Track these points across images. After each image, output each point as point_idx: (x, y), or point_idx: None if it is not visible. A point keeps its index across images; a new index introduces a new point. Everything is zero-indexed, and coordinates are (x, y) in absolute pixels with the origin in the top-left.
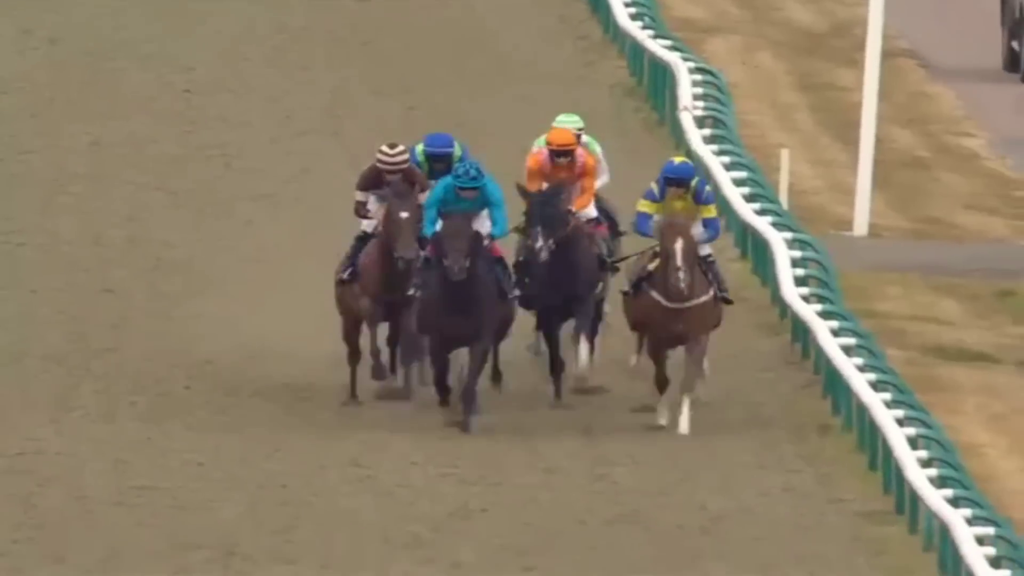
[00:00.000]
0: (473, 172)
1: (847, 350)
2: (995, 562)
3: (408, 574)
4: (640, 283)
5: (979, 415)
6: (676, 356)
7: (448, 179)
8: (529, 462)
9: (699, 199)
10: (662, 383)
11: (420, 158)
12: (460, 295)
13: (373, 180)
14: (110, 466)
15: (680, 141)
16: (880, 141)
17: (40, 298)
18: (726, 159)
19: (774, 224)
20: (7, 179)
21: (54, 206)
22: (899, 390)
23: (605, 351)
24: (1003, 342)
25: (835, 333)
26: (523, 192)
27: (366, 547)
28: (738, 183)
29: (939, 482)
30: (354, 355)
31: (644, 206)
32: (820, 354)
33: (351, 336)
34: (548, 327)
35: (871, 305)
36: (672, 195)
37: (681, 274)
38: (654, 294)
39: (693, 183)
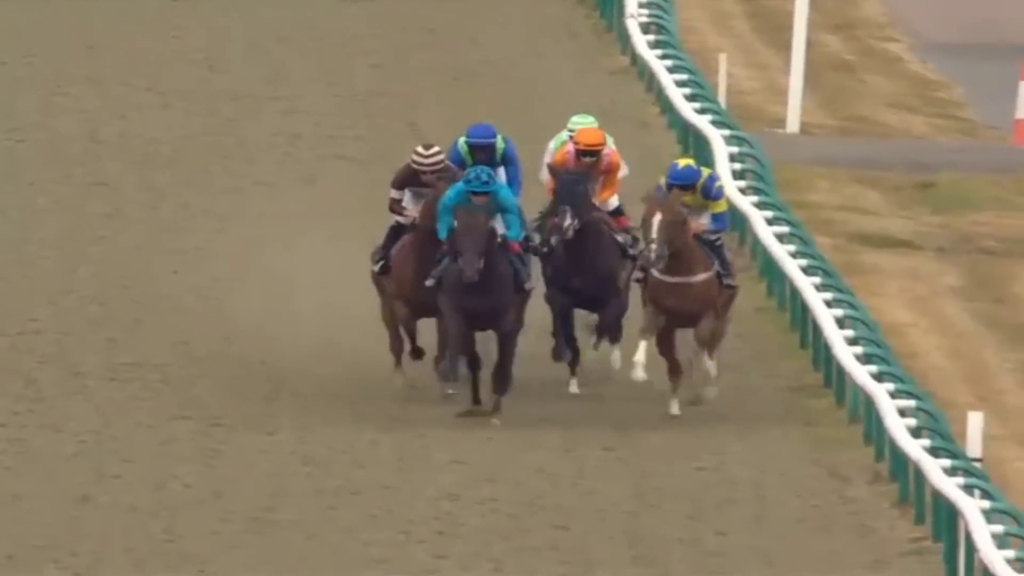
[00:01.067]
0: (484, 177)
1: (780, 238)
2: (916, 432)
3: (376, 442)
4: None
5: (901, 297)
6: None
7: (460, 184)
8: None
9: (708, 195)
10: (675, 371)
11: (463, 149)
12: (479, 287)
13: (409, 179)
14: (103, 344)
15: (626, 46)
16: (811, 45)
17: (38, 189)
18: (669, 63)
19: (713, 122)
20: (11, 82)
21: (53, 106)
22: (827, 274)
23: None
24: (923, 230)
25: (769, 222)
26: (552, 171)
27: (341, 418)
28: (680, 84)
29: (864, 359)
30: (396, 342)
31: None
32: (756, 242)
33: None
34: (564, 318)
35: (802, 196)
36: (678, 194)
37: (654, 246)
38: (655, 272)
39: (699, 183)
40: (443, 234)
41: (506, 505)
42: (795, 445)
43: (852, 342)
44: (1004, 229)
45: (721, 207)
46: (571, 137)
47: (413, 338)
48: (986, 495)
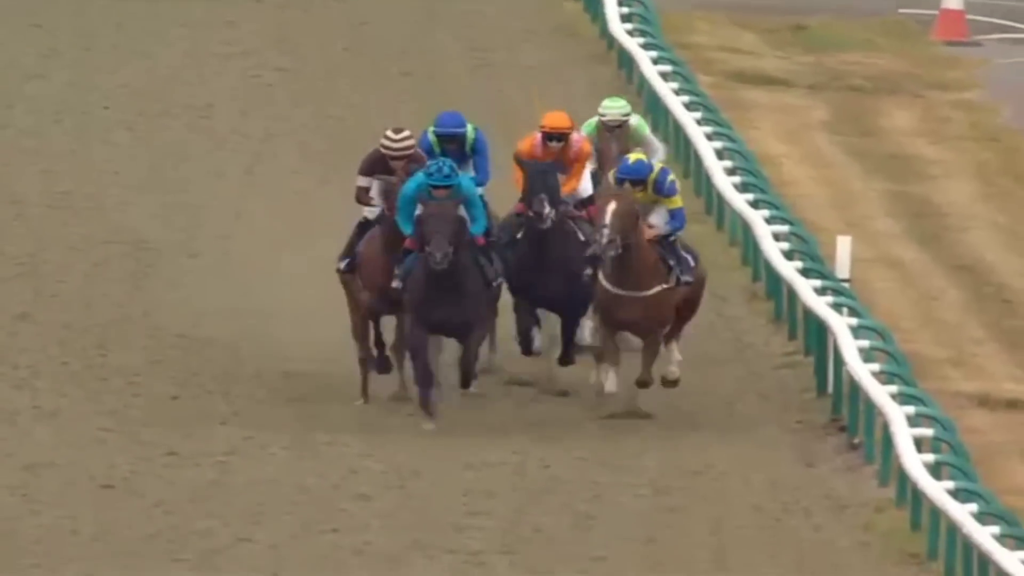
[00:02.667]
0: (446, 170)
1: (664, 76)
2: (789, 255)
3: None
4: (598, 257)
5: (775, 130)
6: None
7: (420, 176)
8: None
9: (660, 191)
10: (611, 354)
11: (432, 139)
12: (446, 284)
13: (377, 165)
14: (40, 175)
15: None
16: None
17: None
18: None
19: None
20: None
21: None
22: (708, 109)
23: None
24: (795, 68)
25: (655, 62)
26: (520, 162)
27: (260, 242)
28: None
29: (742, 187)
30: (365, 352)
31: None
32: (642, 80)
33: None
34: (528, 311)
35: (684, 39)
36: (629, 188)
37: (606, 230)
38: (602, 281)
39: (652, 177)
40: (405, 227)
41: (490, 512)
42: None
43: (730, 172)
44: (871, 68)
45: (676, 203)
46: (601, 122)
47: (380, 341)
48: (853, 312)
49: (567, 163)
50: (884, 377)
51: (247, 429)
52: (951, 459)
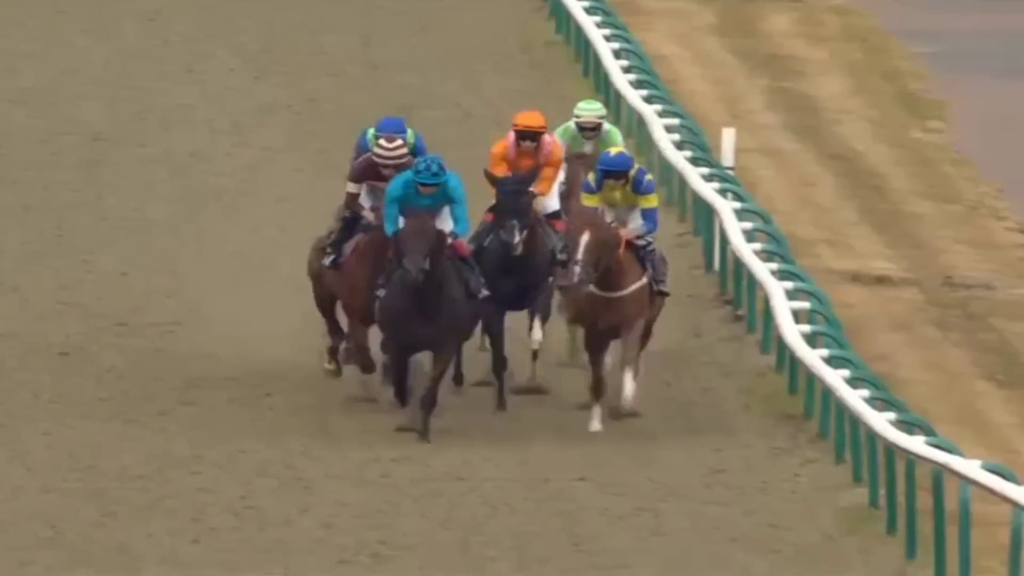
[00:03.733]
0: (435, 168)
1: None
2: (679, 145)
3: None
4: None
5: (668, 33)
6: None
7: (408, 174)
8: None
9: (638, 189)
10: (598, 387)
11: (371, 140)
12: (423, 298)
13: (368, 172)
14: (4, 73)
15: None
16: None
17: None
18: None
19: None
20: None
21: None
22: (606, 13)
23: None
24: None
25: None
26: (491, 179)
27: (200, 133)
28: None
29: (636, 85)
30: (334, 331)
31: (585, 199)
32: None
33: (327, 311)
34: (493, 321)
35: None
36: (610, 186)
37: (578, 267)
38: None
39: (631, 173)
40: (389, 228)
41: (466, 517)
42: None
43: (626, 70)
44: None
45: (652, 202)
46: (578, 124)
47: (366, 350)
48: (737, 197)
49: (539, 164)
50: (765, 255)
51: (190, 303)
52: (825, 329)
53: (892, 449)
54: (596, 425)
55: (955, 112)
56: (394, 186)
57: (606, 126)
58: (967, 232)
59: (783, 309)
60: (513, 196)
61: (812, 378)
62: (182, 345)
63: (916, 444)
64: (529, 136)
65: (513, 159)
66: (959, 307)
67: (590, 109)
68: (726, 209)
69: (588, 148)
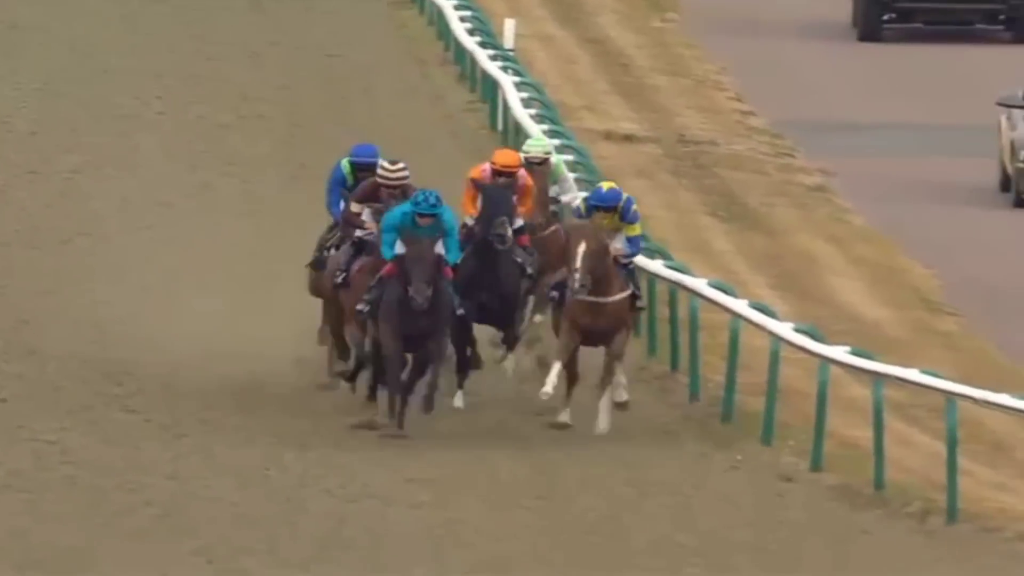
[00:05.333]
0: (432, 199)
1: None
2: (471, 32)
3: None
4: (564, 284)
5: None
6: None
7: (406, 205)
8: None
9: (625, 218)
10: (572, 377)
11: (346, 168)
12: (418, 314)
13: (370, 194)
14: None
15: None
16: None
17: None
18: None
19: None
20: None
21: None
22: None
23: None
24: None
25: None
26: (477, 184)
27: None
28: None
29: None
30: (339, 344)
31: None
32: None
33: (336, 329)
34: (463, 331)
35: None
36: (597, 215)
37: (578, 275)
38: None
39: (620, 204)
40: (387, 253)
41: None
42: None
43: None
44: None
45: (636, 231)
46: (526, 156)
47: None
48: (516, 73)
49: (517, 194)
50: (538, 118)
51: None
52: (585, 176)
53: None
54: (565, 417)
55: (687, 6)
56: (392, 215)
57: (553, 159)
58: (695, 100)
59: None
60: (499, 196)
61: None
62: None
63: (656, 267)
64: (506, 174)
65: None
66: (690, 159)
67: (538, 145)
68: (507, 82)
69: (537, 181)
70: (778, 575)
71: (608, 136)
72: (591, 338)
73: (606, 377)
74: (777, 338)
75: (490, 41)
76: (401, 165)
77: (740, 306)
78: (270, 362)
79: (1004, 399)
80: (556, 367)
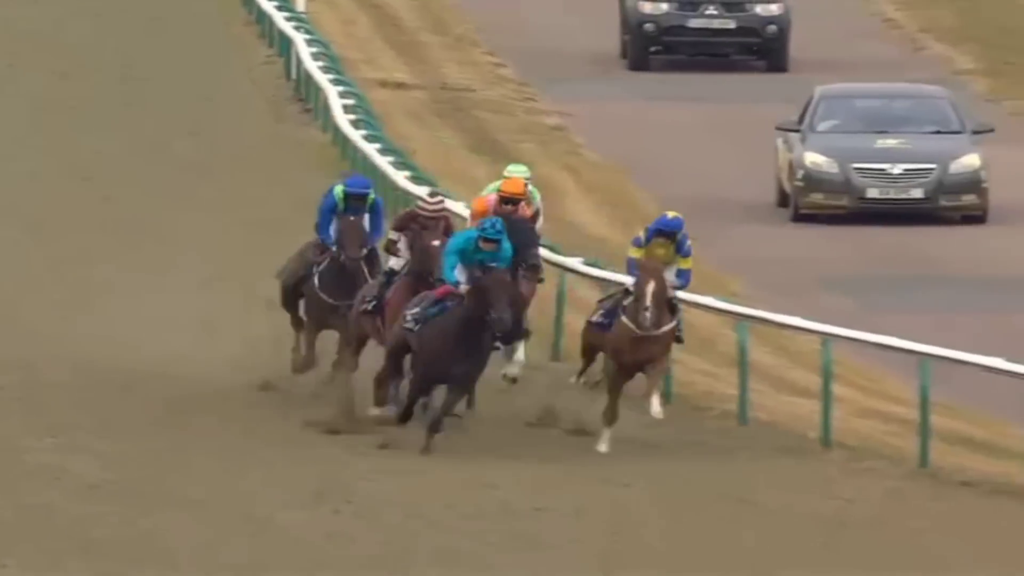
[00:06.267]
0: (499, 226)
1: None
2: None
3: None
4: (612, 315)
5: None
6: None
7: (471, 232)
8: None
9: (680, 251)
10: (612, 416)
11: (338, 195)
12: (475, 341)
13: (408, 223)
14: None
15: None
16: None
17: None
18: None
19: None
20: None
21: None
22: None
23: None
24: None
25: None
26: (507, 219)
27: None
28: None
29: None
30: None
31: (633, 252)
32: None
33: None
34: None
35: None
36: (658, 243)
37: (648, 313)
38: (627, 322)
39: (678, 236)
40: (450, 276)
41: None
42: None
43: None
44: None
45: (688, 264)
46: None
47: (401, 373)
48: (307, 32)
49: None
50: (324, 69)
51: None
52: (364, 116)
53: (412, 196)
54: (603, 447)
55: None
56: (456, 240)
57: (530, 187)
58: (456, 55)
59: (336, 104)
60: (525, 228)
61: (353, 147)
62: None
63: (420, 190)
64: (511, 201)
65: (492, 216)
66: (451, 103)
67: (518, 171)
68: (299, 40)
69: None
70: None
71: (383, 84)
72: (633, 367)
73: (650, 386)
74: (563, 272)
75: (285, 5)
76: (440, 198)
77: None
78: None
79: (709, 301)
80: (607, 432)
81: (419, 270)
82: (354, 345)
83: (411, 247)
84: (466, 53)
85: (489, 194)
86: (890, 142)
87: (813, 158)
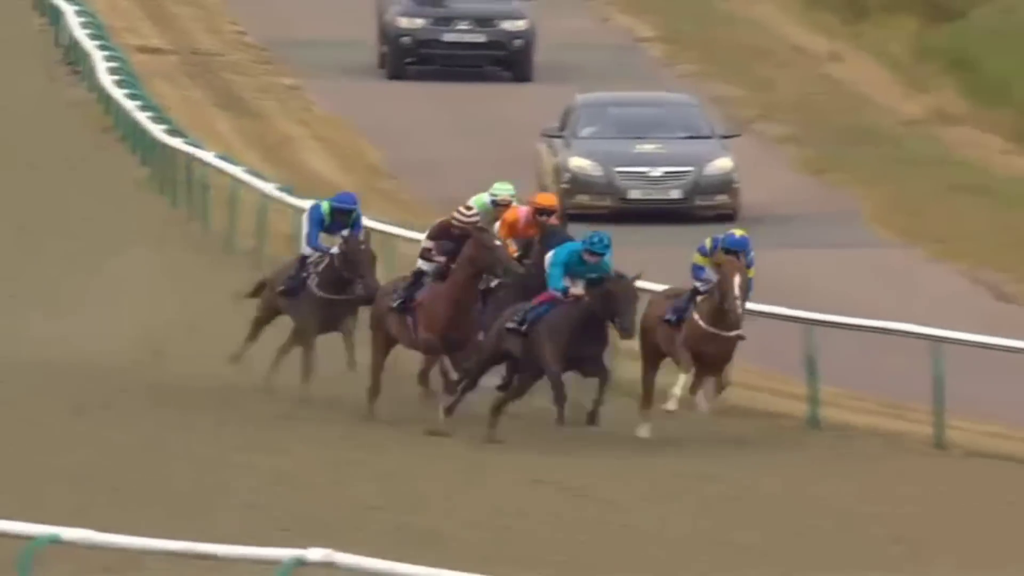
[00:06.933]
0: (607, 240)
1: None
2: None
3: None
4: (681, 311)
5: None
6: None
7: (576, 244)
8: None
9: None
10: (650, 396)
11: (325, 210)
12: (596, 330)
13: (443, 233)
14: None
15: None
16: None
17: None
18: None
19: None
20: None
21: None
22: None
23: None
24: None
25: None
26: (540, 225)
27: None
28: None
29: None
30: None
31: (698, 259)
32: None
33: (378, 360)
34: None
35: None
36: (722, 256)
37: (738, 302)
38: (702, 322)
39: (746, 255)
40: (558, 285)
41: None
42: None
43: None
44: None
45: (751, 273)
46: (493, 201)
47: (445, 372)
48: (75, 2)
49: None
50: (91, 36)
51: None
52: (126, 77)
53: (168, 147)
54: (644, 433)
55: None
56: (560, 252)
57: (514, 203)
58: (205, 24)
59: (101, 67)
60: (561, 234)
61: (117, 107)
62: None
63: (174, 141)
64: (545, 213)
65: (521, 228)
66: (201, 66)
67: (504, 189)
68: (69, 10)
69: (491, 219)
70: None
71: (142, 49)
72: (704, 368)
73: (718, 387)
74: (264, 195)
75: None
76: (475, 211)
77: (238, 171)
78: None
79: (413, 234)
80: (681, 379)
81: (472, 273)
82: (379, 350)
83: (443, 252)
84: (214, 23)
85: (521, 207)
86: (648, 147)
87: (578, 162)
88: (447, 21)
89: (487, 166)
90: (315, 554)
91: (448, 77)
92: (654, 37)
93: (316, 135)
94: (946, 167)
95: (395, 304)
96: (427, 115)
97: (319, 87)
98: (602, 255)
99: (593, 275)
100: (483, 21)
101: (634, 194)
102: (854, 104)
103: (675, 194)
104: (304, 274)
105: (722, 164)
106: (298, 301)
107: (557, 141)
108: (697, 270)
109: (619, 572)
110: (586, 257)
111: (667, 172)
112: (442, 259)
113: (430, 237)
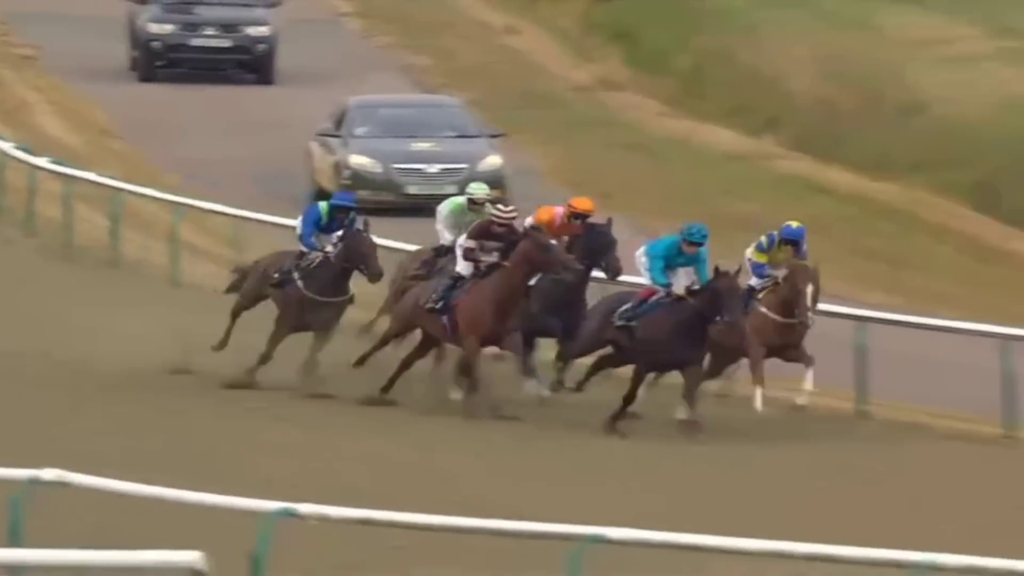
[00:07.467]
0: (705, 231)
1: None
2: None
3: None
4: (748, 303)
5: None
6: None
7: (673, 237)
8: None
9: (798, 253)
10: (760, 376)
11: (323, 209)
12: (700, 333)
13: (484, 232)
14: None
15: None
16: None
17: None
18: None
19: None
20: None
21: None
22: None
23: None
24: None
25: None
26: (583, 224)
27: None
28: None
29: None
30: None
31: (757, 256)
32: None
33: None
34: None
35: None
36: (782, 249)
37: (810, 313)
38: (767, 311)
39: (802, 244)
40: (660, 279)
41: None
42: None
43: None
44: None
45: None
46: (469, 200)
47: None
48: None
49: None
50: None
51: None
52: None
53: None
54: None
55: None
56: (657, 246)
57: (488, 204)
58: None
59: None
60: (605, 235)
61: None
62: None
63: None
64: (581, 217)
65: (556, 228)
66: None
67: (480, 188)
68: None
69: (468, 219)
70: None
71: None
72: (773, 353)
73: (755, 375)
74: (3, 153)
75: None
76: (512, 208)
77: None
78: None
79: (220, 208)
80: (759, 391)
81: (521, 274)
82: (390, 334)
83: (487, 253)
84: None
85: (556, 207)
86: (423, 145)
87: (358, 160)
88: (195, 27)
89: (248, 162)
90: (49, 474)
91: (196, 80)
92: (353, 12)
93: (50, 100)
94: (611, 128)
95: (435, 305)
96: (179, 114)
97: (77, 91)
98: (700, 244)
99: (689, 265)
100: (229, 27)
101: (412, 189)
102: (530, 72)
103: (450, 189)
104: (296, 273)
105: (493, 161)
106: (284, 293)
107: (334, 140)
108: (757, 267)
109: None
110: (684, 248)
111: (443, 169)
112: (492, 258)
113: (471, 237)
